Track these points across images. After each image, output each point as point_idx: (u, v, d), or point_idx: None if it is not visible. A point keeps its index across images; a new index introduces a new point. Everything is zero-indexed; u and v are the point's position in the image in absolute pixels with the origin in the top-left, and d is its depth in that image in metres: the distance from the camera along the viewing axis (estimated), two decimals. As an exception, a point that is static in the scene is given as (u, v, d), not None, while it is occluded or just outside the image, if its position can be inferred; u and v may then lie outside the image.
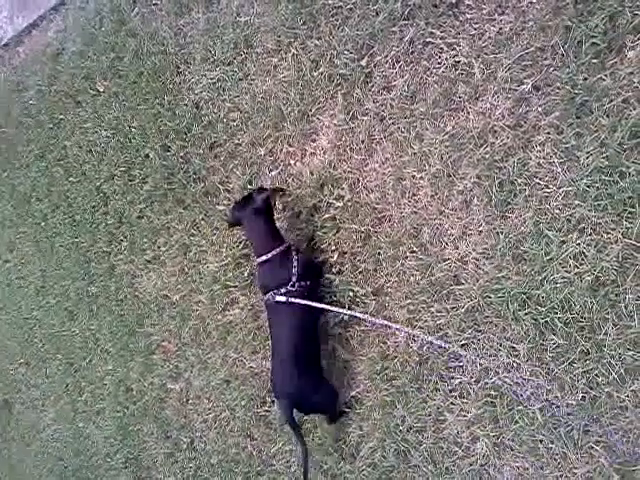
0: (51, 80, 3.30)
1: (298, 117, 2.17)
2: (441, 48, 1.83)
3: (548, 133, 1.64)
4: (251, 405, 2.43)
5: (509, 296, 1.72)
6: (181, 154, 2.60)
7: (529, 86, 1.67)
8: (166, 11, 2.62)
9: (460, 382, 1.83)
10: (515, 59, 1.69)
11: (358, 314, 1.94)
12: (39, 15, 3.39)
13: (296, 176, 2.20)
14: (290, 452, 2.32)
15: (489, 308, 1.77)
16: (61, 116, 3.24)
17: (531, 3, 1.66)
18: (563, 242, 1.63)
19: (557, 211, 1.64)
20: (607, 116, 1.55)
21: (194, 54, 2.52)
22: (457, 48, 1.80)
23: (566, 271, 1.63)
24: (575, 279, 1.61)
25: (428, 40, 1.85)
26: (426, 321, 1.89)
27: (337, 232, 2.09)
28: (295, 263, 1.98)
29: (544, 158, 1.65)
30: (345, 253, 2.07)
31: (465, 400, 1.83)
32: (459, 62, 1.79)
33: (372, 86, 1.97)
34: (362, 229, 2.02)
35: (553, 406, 1.66)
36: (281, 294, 1.96)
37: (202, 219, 2.55)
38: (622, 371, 1.56)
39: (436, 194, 1.86)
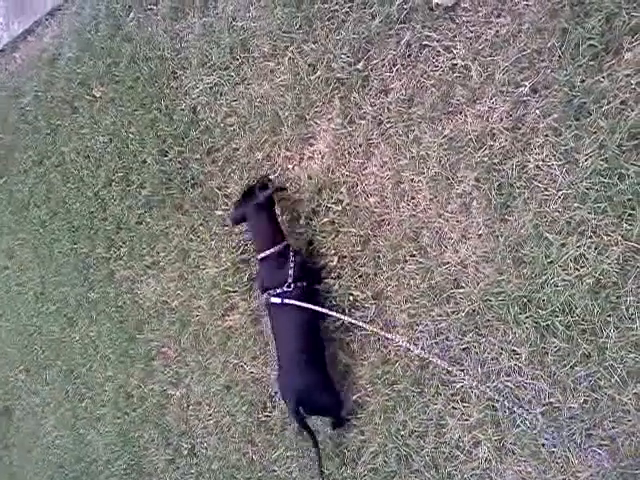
0: (47, 86, 3.29)
1: (295, 121, 2.16)
2: (438, 51, 1.82)
3: (546, 135, 1.64)
4: (252, 411, 2.41)
5: (510, 299, 1.71)
6: (179, 159, 2.59)
7: (527, 88, 1.66)
8: (162, 16, 2.62)
9: (461, 386, 1.83)
10: (512, 61, 1.68)
11: (355, 320, 1.93)
12: (35, 20, 3.38)
13: (294, 180, 2.19)
14: (291, 458, 2.31)
15: (490, 312, 1.76)
16: (58, 122, 3.22)
17: (527, 5, 1.66)
18: (563, 245, 1.63)
19: (557, 214, 1.63)
20: (605, 118, 1.54)
21: (190, 59, 2.51)
22: (454, 51, 1.79)
23: (567, 274, 1.62)
24: (576, 282, 1.61)
25: (425, 43, 1.85)
26: (427, 325, 1.88)
27: (336, 236, 2.08)
28: (292, 264, 1.98)
29: (543, 161, 1.65)
30: (344, 257, 2.07)
31: (466, 404, 1.83)
32: (456, 65, 1.79)
33: (369, 90, 1.97)
34: (361, 233, 2.01)
35: (555, 409, 1.65)
36: (276, 295, 1.96)
37: (201, 224, 2.54)
38: (624, 374, 1.56)
39: (435, 197, 1.86)
